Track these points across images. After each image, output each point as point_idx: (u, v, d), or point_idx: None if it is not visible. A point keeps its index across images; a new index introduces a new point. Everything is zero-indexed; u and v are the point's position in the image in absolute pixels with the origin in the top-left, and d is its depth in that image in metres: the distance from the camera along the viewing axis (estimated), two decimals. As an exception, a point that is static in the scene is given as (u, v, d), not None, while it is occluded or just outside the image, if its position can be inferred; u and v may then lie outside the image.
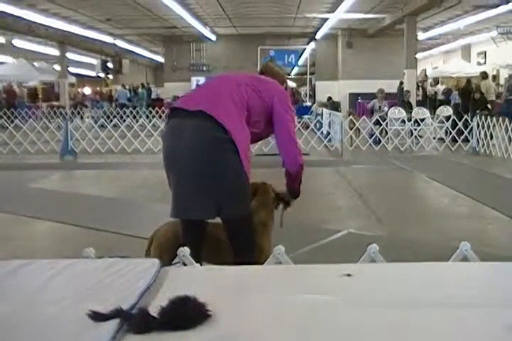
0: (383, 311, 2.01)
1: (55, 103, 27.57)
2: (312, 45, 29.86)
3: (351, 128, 14.76)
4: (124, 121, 17.20)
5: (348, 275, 2.45)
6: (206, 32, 28.09)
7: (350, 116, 15.77)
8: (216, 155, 3.22)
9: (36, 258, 2.72)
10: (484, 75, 16.89)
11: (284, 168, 3.59)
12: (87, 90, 38.08)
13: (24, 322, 1.92)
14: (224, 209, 3.27)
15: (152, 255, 3.54)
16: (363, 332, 1.85)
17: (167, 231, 3.60)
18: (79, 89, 36.72)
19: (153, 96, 29.51)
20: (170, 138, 3.35)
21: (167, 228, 3.63)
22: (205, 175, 3.22)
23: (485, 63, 29.73)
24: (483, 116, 13.50)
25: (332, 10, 22.73)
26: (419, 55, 26.17)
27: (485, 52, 30.21)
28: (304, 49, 29.95)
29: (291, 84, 41.32)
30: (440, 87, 26.15)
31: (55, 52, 29.39)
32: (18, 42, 28.29)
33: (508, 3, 12.89)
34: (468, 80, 17.37)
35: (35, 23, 22.63)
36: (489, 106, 15.30)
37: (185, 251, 2.99)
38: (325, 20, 25.38)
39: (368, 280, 2.45)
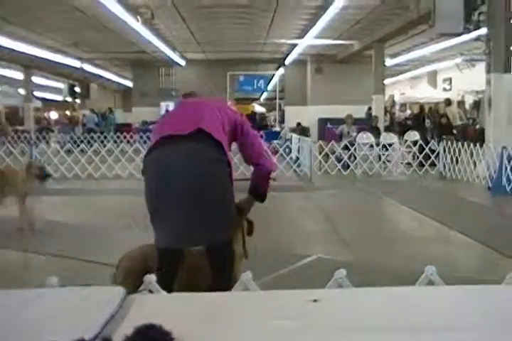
0: (350, 337, 2.00)
1: (19, 127, 27.17)
2: (281, 70, 30.13)
3: (320, 153, 14.85)
4: (91, 145, 17.02)
5: (315, 300, 2.43)
6: (175, 57, 28.16)
7: (320, 142, 15.88)
8: (215, 179, 3.34)
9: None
10: (448, 102, 17.30)
11: (259, 172, 3.81)
12: (54, 115, 37.74)
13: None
14: (215, 236, 3.33)
15: (118, 279, 3.49)
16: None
17: (136, 255, 3.56)
18: (45, 114, 36.36)
19: (120, 120, 29.38)
20: (163, 165, 3.33)
21: (136, 252, 3.59)
22: (204, 200, 3.28)
23: (451, 89, 30.28)
24: (449, 141, 13.71)
25: (301, 36, 23.00)
26: (386, 81, 26.57)
27: (450, 79, 30.79)
28: (273, 74, 30.23)
29: (260, 109, 41.60)
30: (408, 112, 26.56)
31: (20, 75, 29.15)
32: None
33: (470, 32, 13.21)
34: (421, 106, 17.92)
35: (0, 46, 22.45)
36: (454, 131, 15.56)
37: (151, 278, 2.95)
38: (294, 45, 25.66)
39: (335, 306, 2.43)
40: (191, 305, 2.47)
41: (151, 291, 2.93)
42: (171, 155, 3.33)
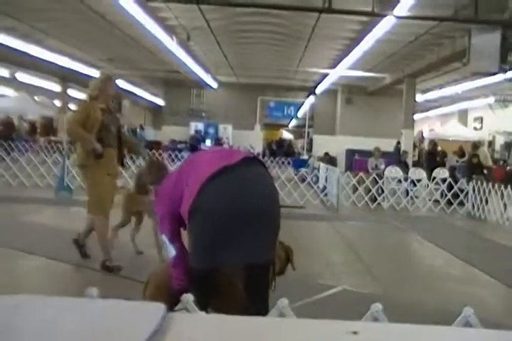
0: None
1: (52, 138, 27.63)
2: (311, 98, 30.26)
3: (347, 184, 14.83)
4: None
5: (355, 332, 2.41)
6: (208, 79, 28.41)
7: (348, 172, 15.85)
8: (276, 198, 3.55)
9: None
10: (475, 146, 17.24)
11: None
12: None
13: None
14: (269, 254, 3.46)
15: (148, 297, 3.50)
16: None
17: (163, 273, 3.57)
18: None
19: (150, 137, 29.59)
20: (235, 189, 3.39)
21: (163, 270, 3.59)
22: (272, 222, 3.44)
23: (481, 128, 30.15)
24: (478, 181, 13.60)
25: (333, 66, 23.11)
26: (416, 116, 26.54)
27: (481, 118, 30.67)
28: (303, 102, 30.36)
29: (288, 135, 41.73)
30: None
31: (56, 87, 29.61)
32: (21, 76, 28.55)
33: (505, 72, 13.15)
34: (434, 143, 17.93)
35: (39, 58, 22.89)
36: (485, 171, 15.44)
37: (189, 297, 2.95)
38: (326, 75, 25.78)
39: (375, 340, 2.40)
40: (229, 327, 2.45)
41: (187, 310, 2.93)
42: (240, 179, 3.39)
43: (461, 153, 18.79)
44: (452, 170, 16.55)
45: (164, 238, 3.54)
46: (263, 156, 26.01)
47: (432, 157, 17.98)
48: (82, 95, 35.30)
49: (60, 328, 2.18)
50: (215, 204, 3.33)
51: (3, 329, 2.14)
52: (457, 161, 18.00)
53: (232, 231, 3.31)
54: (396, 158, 18.26)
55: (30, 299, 2.46)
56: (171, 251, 3.53)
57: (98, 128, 6.08)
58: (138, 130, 28.71)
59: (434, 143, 18.15)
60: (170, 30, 18.36)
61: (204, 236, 3.35)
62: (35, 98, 29.71)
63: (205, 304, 3.21)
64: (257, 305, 3.34)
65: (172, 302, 3.10)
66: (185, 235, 3.55)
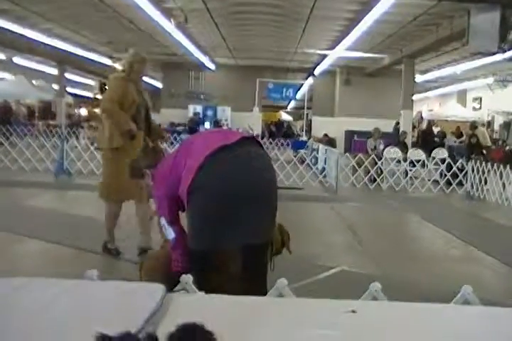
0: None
1: (51, 122, 27.57)
2: (310, 80, 30.14)
3: (346, 165, 14.84)
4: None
5: (353, 311, 2.43)
6: (206, 61, 28.28)
7: (346, 154, 15.86)
8: (274, 179, 3.56)
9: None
10: (473, 126, 17.29)
11: None
12: (84, 111, 38.11)
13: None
14: (269, 233, 3.51)
15: (144, 278, 3.52)
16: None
17: (158, 255, 3.58)
18: (75, 110, 36.72)
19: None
20: (234, 168, 3.37)
21: (159, 253, 3.61)
22: (271, 201, 3.45)
23: (480, 108, 30.07)
24: (477, 161, 13.61)
25: (332, 47, 23.00)
26: (415, 97, 26.45)
27: (480, 98, 30.58)
28: (302, 84, 30.22)
29: (287, 117, 41.64)
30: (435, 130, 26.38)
31: (54, 71, 29.49)
32: (18, 60, 28.40)
33: (504, 52, 13.09)
34: (429, 122, 17.93)
35: (36, 41, 22.76)
36: (484, 151, 15.45)
37: (188, 278, 2.97)
38: (324, 56, 25.66)
39: (373, 318, 2.43)
40: (229, 307, 2.47)
41: (186, 291, 2.95)
42: (239, 158, 3.38)
43: (458, 134, 18.83)
44: (451, 151, 16.56)
45: (163, 220, 3.54)
46: (262, 138, 25.97)
47: (430, 137, 18.05)
48: (80, 79, 35.33)
49: (59, 309, 2.21)
50: (214, 184, 3.32)
51: (3, 310, 2.17)
52: (455, 142, 18.04)
53: (232, 211, 3.32)
54: (395, 138, 18.24)
55: (29, 281, 2.48)
56: (170, 234, 3.53)
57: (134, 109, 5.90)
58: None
59: (429, 123, 18.14)
60: (167, 12, 18.24)
61: (203, 217, 3.35)
62: (33, 82, 29.57)
63: (204, 285, 3.23)
64: (256, 285, 3.37)
65: (171, 284, 3.12)
66: (183, 218, 3.57)
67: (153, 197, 3.63)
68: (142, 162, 3.84)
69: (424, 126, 27.17)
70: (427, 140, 17.47)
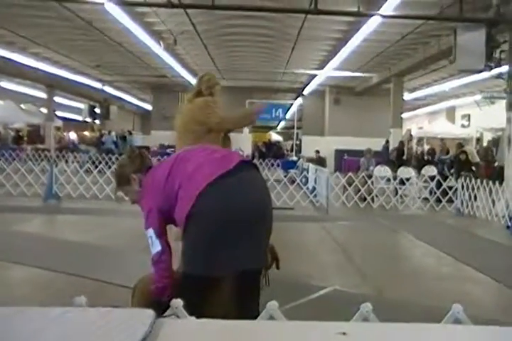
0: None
1: (40, 146, 27.51)
2: (300, 100, 30.29)
3: (337, 185, 14.86)
4: (110, 167, 17.04)
5: (344, 333, 2.41)
6: (195, 82, 28.37)
7: (337, 173, 15.89)
8: (270, 203, 3.56)
9: (21, 306, 2.66)
10: (460, 146, 17.47)
11: None
12: (73, 135, 38.15)
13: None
14: (262, 260, 3.51)
15: (134, 303, 3.49)
16: None
17: (149, 280, 3.56)
18: (65, 133, 36.72)
19: (138, 143, 29.53)
20: (234, 194, 3.37)
21: (149, 277, 3.58)
22: (266, 227, 3.46)
23: (469, 126, 30.31)
24: (467, 178, 13.66)
25: (321, 67, 23.17)
26: (404, 115, 26.64)
27: (469, 115, 30.83)
28: (292, 104, 30.40)
29: (277, 137, 41.76)
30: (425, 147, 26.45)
31: (42, 95, 29.54)
32: (6, 85, 28.43)
33: (491, 69, 13.26)
34: (401, 142, 18.18)
35: (25, 65, 22.82)
36: (473, 168, 15.52)
37: (178, 302, 2.95)
38: (313, 76, 25.84)
39: (364, 340, 2.41)
40: (220, 331, 2.45)
41: (177, 316, 2.93)
42: (239, 184, 3.39)
43: (446, 150, 19.02)
44: (441, 165, 16.66)
45: (151, 232, 3.52)
46: (252, 158, 26.02)
47: (420, 155, 18.17)
48: (69, 102, 35.36)
49: (49, 338, 2.18)
50: (214, 210, 3.32)
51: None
52: (444, 158, 18.17)
53: (231, 237, 3.32)
54: (385, 157, 18.32)
55: (19, 310, 2.46)
56: (157, 246, 3.51)
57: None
58: (127, 136, 28.63)
59: (401, 142, 18.42)
60: (157, 35, 18.37)
61: (202, 242, 3.34)
62: (22, 106, 29.57)
63: (195, 310, 3.20)
64: (249, 309, 3.35)
65: (160, 309, 3.10)
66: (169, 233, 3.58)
67: (142, 205, 3.59)
68: (128, 167, 3.80)
69: (414, 144, 27.34)
70: (400, 158, 17.58)
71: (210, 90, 6.08)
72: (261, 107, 5.90)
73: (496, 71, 13.80)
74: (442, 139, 22.99)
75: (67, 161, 21.86)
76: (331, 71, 23.26)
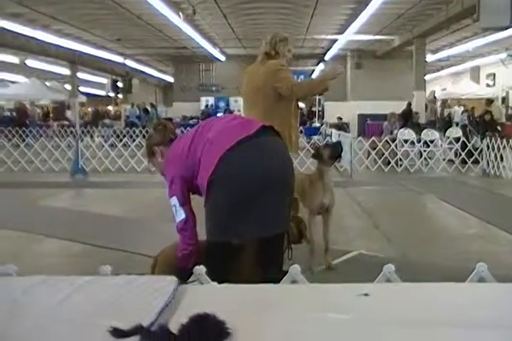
0: (403, 331, 2.00)
1: (65, 122, 27.77)
2: (321, 65, 30.00)
3: (360, 149, 14.78)
4: (134, 140, 17.11)
5: (366, 294, 2.44)
6: (215, 52, 28.27)
7: (360, 137, 15.79)
8: (292, 167, 3.62)
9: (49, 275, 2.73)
10: (489, 102, 17.10)
11: None
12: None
13: (44, 339, 1.93)
14: (285, 224, 3.59)
15: (156, 273, 3.54)
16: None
17: (172, 251, 3.60)
18: (89, 109, 36.93)
19: (162, 115, 29.58)
20: (255, 158, 3.41)
21: (172, 249, 3.62)
22: (289, 186, 3.52)
23: (494, 85, 29.79)
24: (492, 138, 13.49)
25: (341, 31, 22.89)
26: (427, 77, 26.27)
27: (494, 74, 30.28)
28: (313, 70, 30.12)
29: (300, 104, 41.49)
30: (458, 109, 25.75)
31: (66, 71, 29.66)
32: (31, 62, 28.59)
33: (517, 25, 12.94)
34: (409, 103, 17.87)
35: (47, 43, 22.88)
36: (499, 128, 15.30)
37: (201, 269, 2.99)
38: (334, 41, 25.56)
39: (386, 300, 2.43)
40: (243, 296, 2.49)
41: (200, 282, 2.98)
42: (260, 149, 3.43)
43: (471, 111, 18.73)
44: (464, 128, 16.44)
45: (174, 200, 3.55)
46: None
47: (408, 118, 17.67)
48: (92, 77, 35.45)
49: (73, 304, 2.24)
50: (234, 175, 3.35)
51: (19, 308, 2.21)
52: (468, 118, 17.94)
53: (253, 201, 3.35)
54: (405, 118, 18.07)
55: (46, 279, 2.52)
56: (181, 215, 3.55)
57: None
58: (149, 108, 28.66)
59: (408, 103, 18.12)
60: (175, 6, 18.24)
61: (224, 207, 3.37)
62: (46, 83, 29.75)
63: (219, 276, 3.25)
64: (273, 273, 3.38)
65: (184, 276, 3.14)
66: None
67: (165, 175, 3.63)
68: (153, 139, 3.84)
69: (438, 106, 26.97)
70: (408, 120, 17.27)
71: (275, 50, 5.53)
72: (337, 71, 5.30)
73: (522, 27, 13.48)
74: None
75: (92, 136, 22.06)
76: (351, 35, 22.96)
